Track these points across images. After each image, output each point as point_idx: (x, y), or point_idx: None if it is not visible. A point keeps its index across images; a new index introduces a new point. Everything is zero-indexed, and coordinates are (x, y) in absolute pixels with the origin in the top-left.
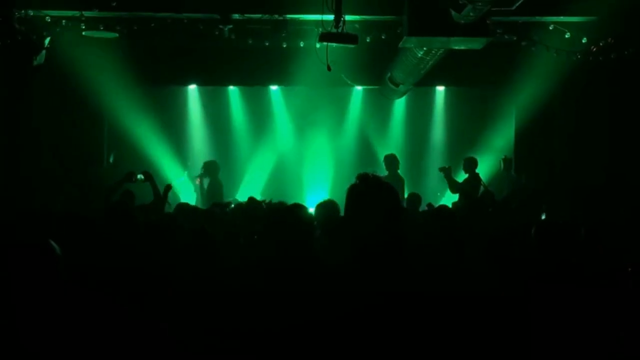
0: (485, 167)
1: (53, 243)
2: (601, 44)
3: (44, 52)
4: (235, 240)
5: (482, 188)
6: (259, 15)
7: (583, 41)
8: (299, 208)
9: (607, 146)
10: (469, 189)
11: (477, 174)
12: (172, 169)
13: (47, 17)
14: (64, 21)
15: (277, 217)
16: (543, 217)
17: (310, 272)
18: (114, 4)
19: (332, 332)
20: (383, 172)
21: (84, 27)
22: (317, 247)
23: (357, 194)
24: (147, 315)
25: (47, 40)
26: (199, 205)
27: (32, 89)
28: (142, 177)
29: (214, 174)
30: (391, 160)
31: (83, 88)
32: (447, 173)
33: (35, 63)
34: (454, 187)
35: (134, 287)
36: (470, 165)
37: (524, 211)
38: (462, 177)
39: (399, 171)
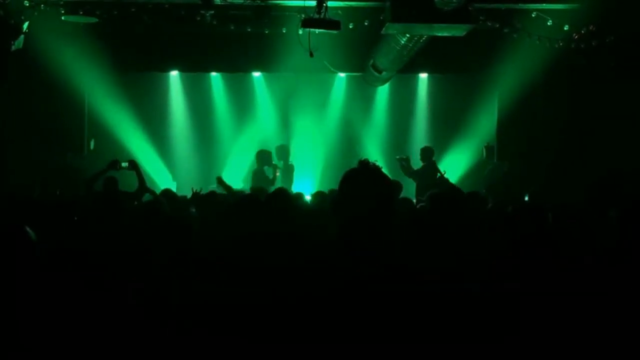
0: (467, 155)
1: (28, 229)
2: (583, 32)
3: (22, 36)
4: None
5: (438, 175)
6: (241, 1)
7: (565, 28)
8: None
9: (590, 132)
10: (423, 176)
11: (434, 162)
12: (153, 156)
13: (25, 1)
14: (42, 5)
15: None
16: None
17: (295, 249)
18: None
19: (313, 308)
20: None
21: (63, 12)
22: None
23: (349, 176)
24: (125, 298)
25: (25, 25)
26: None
27: (10, 74)
28: (127, 164)
29: (286, 159)
30: (284, 151)
31: (63, 74)
32: (402, 163)
33: (13, 48)
34: (411, 176)
35: (114, 273)
36: (426, 154)
37: (507, 197)
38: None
39: (289, 162)
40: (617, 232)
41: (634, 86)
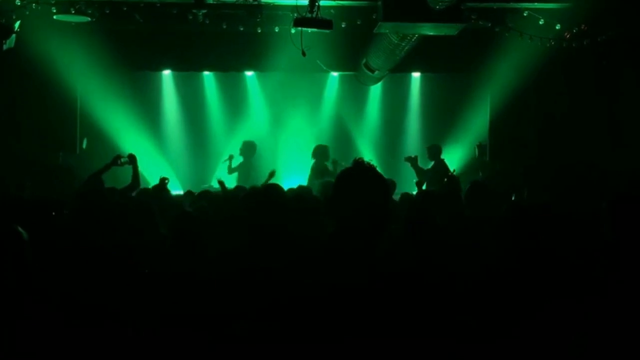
0: (460, 154)
1: (20, 228)
2: (574, 31)
3: (14, 36)
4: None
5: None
6: (233, 0)
7: (557, 28)
8: (275, 188)
9: (580, 131)
10: (435, 176)
11: (443, 160)
12: (146, 155)
13: (16, 0)
14: (34, 4)
15: (254, 199)
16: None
17: (288, 251)
18: None
19: (312, 308)
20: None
21: (54, 11)
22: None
23: (344, 175)
24: (116, 301)
25: (17, 24)
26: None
27: (1, 73)
28: (127, 159)
29: (249, 155)
30: (322, 151)
31: (55, 73)
32: (413, 162)
33: (5, 47)
34: (422, 175)
35: (105, 272)
36: (435, 153)
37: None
38: (429, 165)
39: (327, 163)
40: (607, 228)
41: (626, 85)
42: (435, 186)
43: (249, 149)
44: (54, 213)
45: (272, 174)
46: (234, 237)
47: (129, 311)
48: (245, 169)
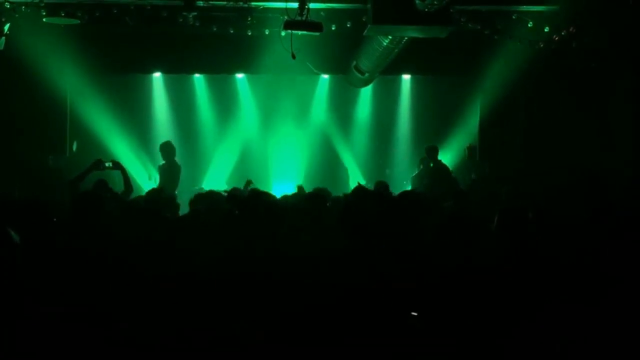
0: (450, 156)
1: (11, 231)
2: (563, 33)
3: (3, 38)
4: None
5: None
6: (223, 3)
7: (545, 30)
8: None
9: (569, 134)
10: (438, 178)
11: (440, 161)
12: (136, 158)
13: (6, 3)
14: (23, 7)
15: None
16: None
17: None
18: None
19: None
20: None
21: (44, 14)
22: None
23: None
24: (108, 304)
25: (6, 27)
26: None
27: None
28: (110, 164)
29: (170, 156)
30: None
31: (45, 75)
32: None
33: None
34: (427, 185)
35: (98, 275)
36: (434, 154)
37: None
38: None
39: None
40: (587, 234)
41: (617, 87)
42: (437, 187)
43: (168, 150)
44: (55, 219)
45: (248, 183)
46: (230, 239)
47: (128, 312)
48: (169, 171)
